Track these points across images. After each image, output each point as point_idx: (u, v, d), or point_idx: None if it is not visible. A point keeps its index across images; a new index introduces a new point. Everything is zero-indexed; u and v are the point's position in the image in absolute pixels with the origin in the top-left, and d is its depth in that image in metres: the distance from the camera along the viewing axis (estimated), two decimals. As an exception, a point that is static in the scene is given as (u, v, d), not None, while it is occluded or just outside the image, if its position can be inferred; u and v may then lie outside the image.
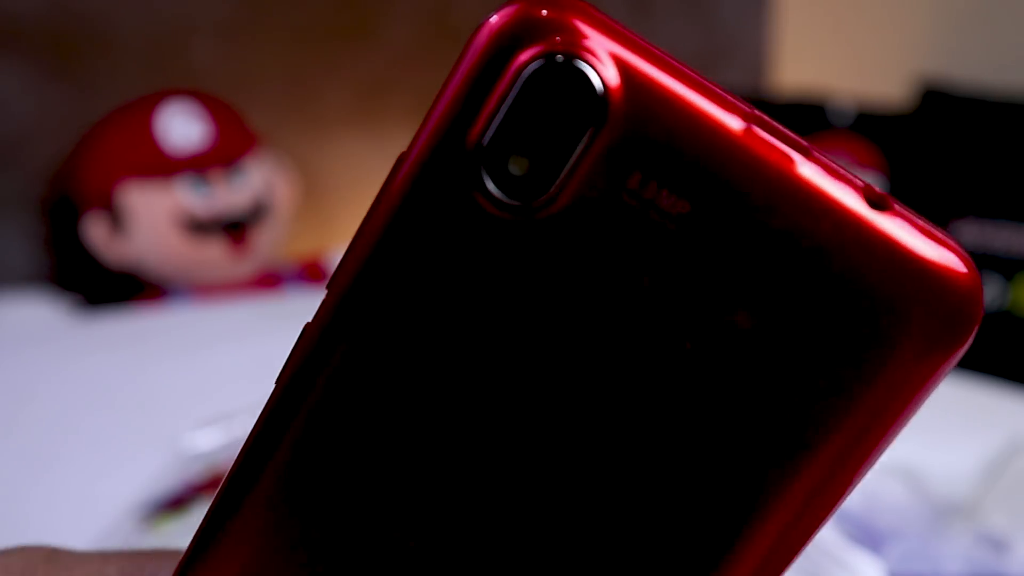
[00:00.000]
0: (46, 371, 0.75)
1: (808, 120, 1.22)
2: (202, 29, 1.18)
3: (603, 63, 0.12)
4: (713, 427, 0.13)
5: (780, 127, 0.13)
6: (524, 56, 0.12)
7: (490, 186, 0.13)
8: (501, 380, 0.14)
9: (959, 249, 0.13)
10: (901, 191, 1.19)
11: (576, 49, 0.12)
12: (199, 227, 1.06)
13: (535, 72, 0.12)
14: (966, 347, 0.13)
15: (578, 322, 0.13)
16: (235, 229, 1.08)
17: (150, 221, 1.05)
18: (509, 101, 0.12)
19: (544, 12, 0.12)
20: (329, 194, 1.28)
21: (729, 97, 0.13)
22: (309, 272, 1.15)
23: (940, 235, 0.13)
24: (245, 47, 1.21)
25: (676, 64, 0.13)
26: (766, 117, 0.13)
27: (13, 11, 1.06)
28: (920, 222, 0.13)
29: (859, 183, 0.13)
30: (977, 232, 1.14)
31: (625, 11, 1.45)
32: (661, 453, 0.13)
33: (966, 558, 0.47)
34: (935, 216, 1.08)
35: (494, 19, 0.12)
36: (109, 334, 0.88)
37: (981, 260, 1.14)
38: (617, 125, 0.12)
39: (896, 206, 0.13)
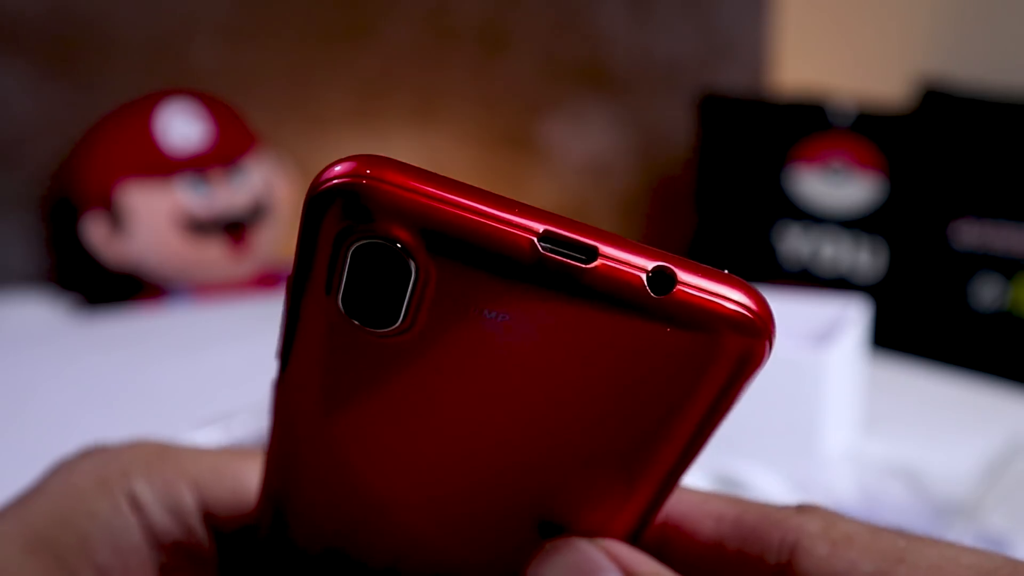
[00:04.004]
0: (46, 371, 0.75)
1: (808, 120, 1.22)
2: (203, 29, 1.18)
3: (405, 229, 0.16)
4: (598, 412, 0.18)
5: (568, 232, 0.16)
6: (350, 239, 0.16)
7: (355, 323, 0.16)
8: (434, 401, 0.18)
9: (741, 286, 0.16)
10: (901, 191, 1.19)
11: (382, 228, 0.15)
12: (199, 227, 1.06)
13: (358, 249, 0.16)
14: (764, 359, 0.16)
15: (467, 381, 0.17)
16: (235, 229, 1.08)
17: (150, 221, 1.05)
18: (347, 270, 0.16)
19: (357, 200, 0.15)
20: (329, 194, 1.28)
21: (516, 218, 0.16)
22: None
23: (722, 285, 0.16)
24: (245, 47, 1.21)
25: (469, 202, 0.16)
26: (554, 227, 0.16)
27: (13, 11, 1.06)
28: (703, 283, 0.16)
29: (645, 272, 0.16)
30: (977, 232, 1.14)
31: (625, 11, 1.45)
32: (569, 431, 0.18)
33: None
34: (935, 216, 1.08)
35: (324, 199, 0.15)
36: (109, 334, 0.88)
37: (981, 260, 1.14)
38: (429, 271, 0.16)
39: (680, 278, 0.16)
